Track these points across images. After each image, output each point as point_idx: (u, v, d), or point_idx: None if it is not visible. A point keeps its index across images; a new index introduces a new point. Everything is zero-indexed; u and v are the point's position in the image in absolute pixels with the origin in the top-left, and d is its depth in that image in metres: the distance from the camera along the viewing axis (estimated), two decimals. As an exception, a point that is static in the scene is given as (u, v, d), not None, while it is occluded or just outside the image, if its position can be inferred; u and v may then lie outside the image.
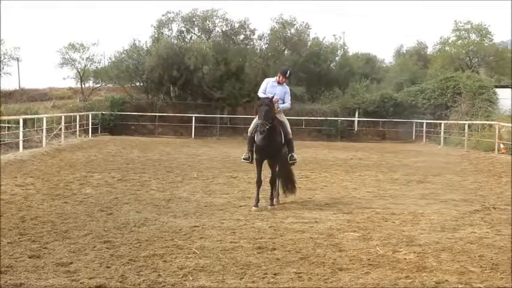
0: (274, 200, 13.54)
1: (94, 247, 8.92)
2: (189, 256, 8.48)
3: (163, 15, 46.99)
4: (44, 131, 28.93)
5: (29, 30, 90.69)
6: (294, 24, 47.06)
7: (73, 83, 54.22)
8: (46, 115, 32.52)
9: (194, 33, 47.72)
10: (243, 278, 7.48)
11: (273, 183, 13.52)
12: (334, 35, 55.65)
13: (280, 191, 14.16)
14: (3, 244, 8.94)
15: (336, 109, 44.71)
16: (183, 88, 45.01)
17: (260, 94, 13.83)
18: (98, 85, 52.94)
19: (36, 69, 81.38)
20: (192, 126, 41.55)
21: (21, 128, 26.01)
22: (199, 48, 42.85)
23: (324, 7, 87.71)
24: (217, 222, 11.13)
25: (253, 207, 12.87)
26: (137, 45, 46.93)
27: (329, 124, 43.21)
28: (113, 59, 48.27)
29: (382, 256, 8.74)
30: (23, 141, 25.95)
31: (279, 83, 13.89)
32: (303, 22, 47.45)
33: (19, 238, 9.41)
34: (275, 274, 7.66)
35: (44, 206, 12.59)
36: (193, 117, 41.60)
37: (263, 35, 47.49)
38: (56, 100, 52.55)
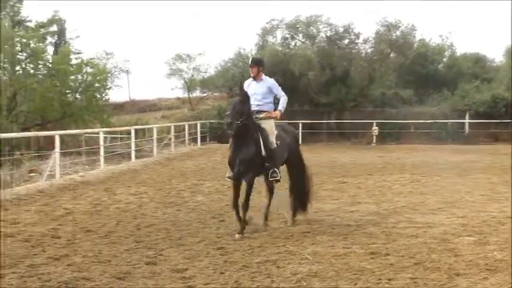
0: (258, 221, 11.35)
1: (208, 253, 9.06)
2: (302, 262, 8.48)
3: (267, 23, 47.26)
4: (155, 140, 29.63)
5: (137, 43, 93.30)
6: (399, 27, 46.30)
7: (181, 93, 55.60)
8: (156, 125, 33.35)
9: (298, 40, 47.75)
10: (356, 284, 7.41)
11: (244, 205, 10.75)
12: (440, 36, 54.39)
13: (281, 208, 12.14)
14: (121, 251, 9.22)
15: (445, 111, 43.71)
16: (289, 94, 45.08)
17: None
18: (204, 94, 53.98)
19: (145, 80, 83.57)
20: (298, 132, 41.46)
21: (133, 138, 26.78)
22: (304, 54, 42.84)
23: (430, 7, 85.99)
24: (328, 228, 11.09)
25: (237, 235, 10.41)
26: (242, 53, 47.45)
27: (438, 127, 42.25)
28: (219, 68, 49.06)
29: (500, 261, 8.46)
30: (135, 151, 26.67)
31: (254, 79, 11.41)
32: (408, 24, 46.64)
33: (135, 245, 9.66)
34: (389, 279, 7.56)
35: (158, 213, 12.90)
36: (300, 124, 41.55)
37: (368, 38, 46.96)
38: (165, 110, 53.86)
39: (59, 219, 12.03)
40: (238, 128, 10.35)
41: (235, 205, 10.76)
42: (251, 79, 11.41)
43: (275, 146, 10.94)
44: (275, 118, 11.33)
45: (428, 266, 8.22)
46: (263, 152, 10.69)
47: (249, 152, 10.59)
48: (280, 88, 11.54)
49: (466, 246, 9.50)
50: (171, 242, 9.95)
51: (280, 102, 11.52)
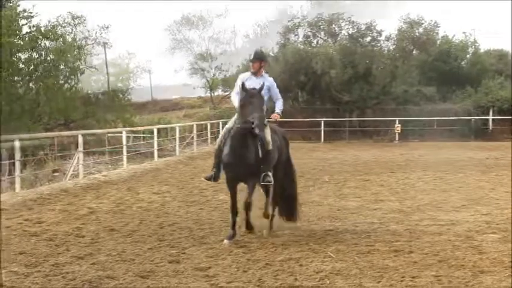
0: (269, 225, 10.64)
1: (231, 252, 9.07)
2: (325, 260, 8.46)
3: (289, 21, 47.24)
4: (177, 139, 29.67)
5: (159, 43, 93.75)
6: (422, 24, 46.13)
7: (203, 92, 55.69)
8: (178, 124, 33.43)
9: (320, 38, 47.69)
10: (380, 281, 7.38)
11: (247, 206, 10.15)
12: (464, 32, 53.96)
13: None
14: (144, 250, 9.24)
15: (468, 108, 43.39)
16: (311, 93, 45.04)
17: (233, 96, 10.57)
18: (226, 93, 53.94)
19: (167, 80, 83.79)
20: (321, 130, 41.38)
21: (155, 138, 26.84)
22: (326, 52, 42.77)
23: (453, 4, 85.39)
24: (351, 226, 11.07)
25: (226, 240, 9.79)
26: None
27: (462, 124, 41.93)
28: (241, 66, 49.00)
29: (526, 258, 8.39)
30: (157, 150, 26.73)
31: (255, 74, 10.47)
32: (431, 20, 46.44)
33: (158, 244, 9.68)
34: (413, 277, 7.52)
35: (181, 212, 12.92)
36: (322, 122, 41.44)
37: (390, 35, 46.82)
38: (187, 109, 53.99)
39: (83, 218, 12.09)
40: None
41: (235, 211, 10.18)
42: (249, 73, 10.52)
43: (271, 147, 10.08)
44: (275, 122, 10.64)
45: (453, 263, 8.18)
46: (260, 154, 9.89)
47: (251, 155, 9.77)
48: (278, 90, 10.66)
49: (490, 243, 9.44)
50: (194, 240, 9.97)
51: (277, 105, 10.65)
